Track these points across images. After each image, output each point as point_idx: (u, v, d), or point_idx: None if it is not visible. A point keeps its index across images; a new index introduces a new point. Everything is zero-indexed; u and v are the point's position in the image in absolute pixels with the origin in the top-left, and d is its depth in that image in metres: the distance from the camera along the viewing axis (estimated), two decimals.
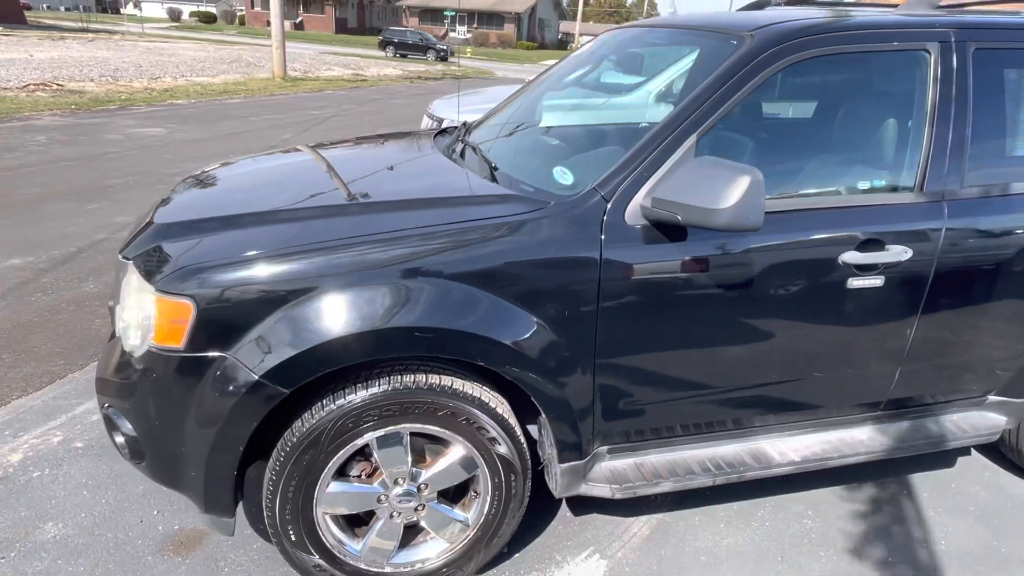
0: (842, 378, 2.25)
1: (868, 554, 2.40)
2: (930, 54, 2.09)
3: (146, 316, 1.72)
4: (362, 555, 2.00)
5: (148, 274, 1.75)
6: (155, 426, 1.79)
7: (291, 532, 1.89)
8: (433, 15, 55.77)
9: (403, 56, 36.23)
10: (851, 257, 2.02)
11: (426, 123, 5.60)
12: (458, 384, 1.84)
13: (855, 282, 2.05)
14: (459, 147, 2.59)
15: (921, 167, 2.11)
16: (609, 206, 1.84)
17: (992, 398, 2.52)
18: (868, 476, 2.80)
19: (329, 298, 1.67)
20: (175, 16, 61.22)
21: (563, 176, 2.11)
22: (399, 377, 1.78)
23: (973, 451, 3.06)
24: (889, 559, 2.38)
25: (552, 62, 5.31)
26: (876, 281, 2.07)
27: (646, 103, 3.11)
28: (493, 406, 1.89)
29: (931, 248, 2.10)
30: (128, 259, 1.85)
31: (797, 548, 2.41)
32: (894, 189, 2.14)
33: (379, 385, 1.76)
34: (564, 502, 2.58)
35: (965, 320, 2.26)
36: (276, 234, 1.78)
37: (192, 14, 61.79)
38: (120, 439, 1.90)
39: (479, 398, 1.86)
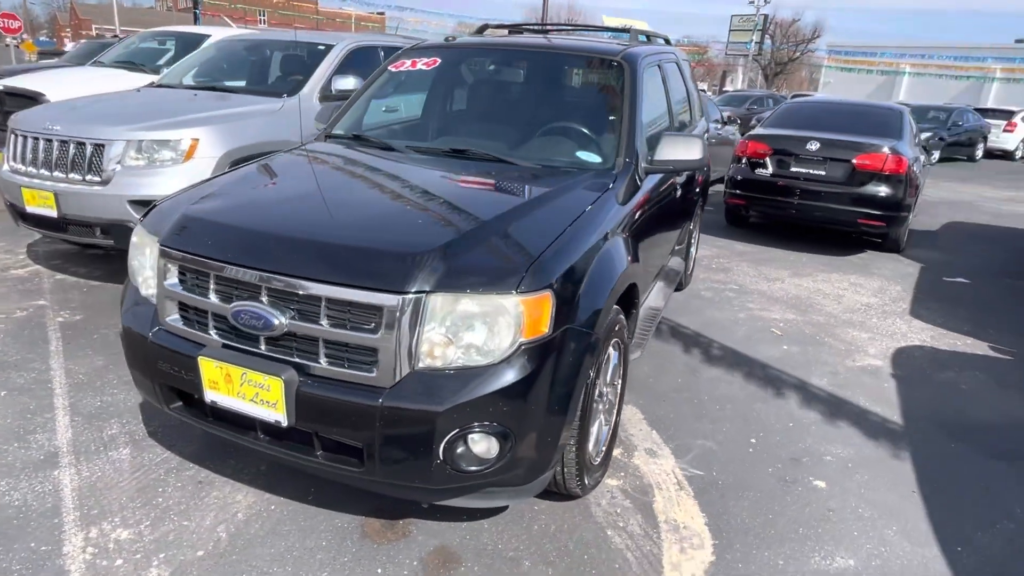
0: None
1: None
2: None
3: (506, 323, 1.86)
4: None
5: (488, 286, 1.86)
6: (535, 417, 1.93)
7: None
8: None
9: None
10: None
11: None
12: None
13: None
14: None
15: None
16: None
17: None
18: None
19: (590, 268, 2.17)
20: None
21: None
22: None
23: None
24: None
25: None
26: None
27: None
28: None
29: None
30: (436, 291, 1.86)
31: None
32: None
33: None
34: None
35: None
36: (529, 228, 2.16)
37: None
38: (492, 457, 1.93)
39: None
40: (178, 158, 4.06)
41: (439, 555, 2.19)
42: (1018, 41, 35.15)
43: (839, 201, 6.18)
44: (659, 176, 3.04)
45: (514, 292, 1.85)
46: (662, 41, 4.39)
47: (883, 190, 6.07)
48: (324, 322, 1.89)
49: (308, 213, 2.25)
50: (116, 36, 14.31)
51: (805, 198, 6.34)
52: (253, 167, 2.74)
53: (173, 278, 2.13)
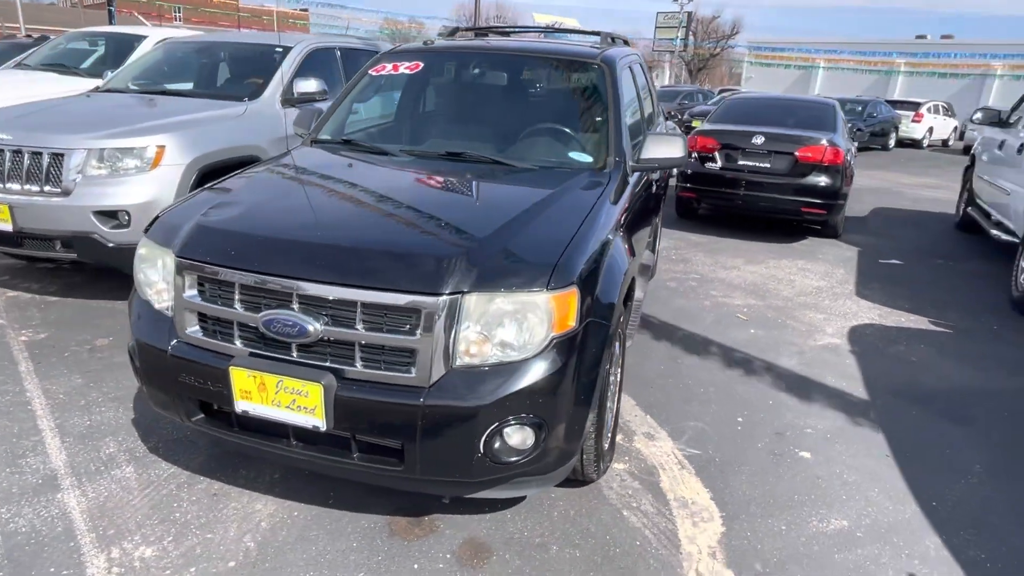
0: None
1: None
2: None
3: (538, 319, 1.94)
4: None
5: (520, 285, 1.94)
6: (564, 407, 2.02)
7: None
8: None
9: None
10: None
11: None
12: None
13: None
14: None
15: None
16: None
17: None
18: None
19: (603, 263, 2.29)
20: None
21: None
22: None
23: None
24: None
25: None
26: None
27: None
28: None
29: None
30: (471, 291, 1.92)
31: None
32: None
33: None
34: None
35: None
36: (546, 228, 2.25)
37: None
38: (528, 447, 2.01)
39: None
40: (144, 166, 3.93)
41: (470, 547, 2.27)
42: (918, 37, 37.69)
43: (784, 191, 6.56)
44: (638, 173, 3.19)
45: (545, 289, 1.94)
46: (622, 43, 4.56)
47: (823, 180, 6.49)
48: (360, 326, 1.93)
49: (330, 219, 2.27)
50: (30, 36, 13.42)
51: (753, 189, 6.69)
52: (254, 176, 2.71)
53: (192, 290, 2.11)
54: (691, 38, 47.75)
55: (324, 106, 5.31)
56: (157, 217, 2.40)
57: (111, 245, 3.90)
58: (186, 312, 2.12)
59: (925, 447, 3.04)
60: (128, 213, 3.89)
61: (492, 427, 1.93)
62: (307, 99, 5.10)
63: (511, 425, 1.95)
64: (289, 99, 5.02)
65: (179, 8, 57.87)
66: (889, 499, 2.64)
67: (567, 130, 3.10)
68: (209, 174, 4.24)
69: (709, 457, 2.86)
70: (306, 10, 62.31)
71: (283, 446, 2.11)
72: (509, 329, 1.95)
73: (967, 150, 20.22)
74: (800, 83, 38.04)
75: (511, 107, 3.32)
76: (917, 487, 2.72)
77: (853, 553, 2.33)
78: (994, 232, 6.05)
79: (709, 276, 5.54)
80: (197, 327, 2.13)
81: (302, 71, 5.23)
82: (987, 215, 6.80)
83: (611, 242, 2.39)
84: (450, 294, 1.91)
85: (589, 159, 2.95)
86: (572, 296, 2.00)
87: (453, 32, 4.05)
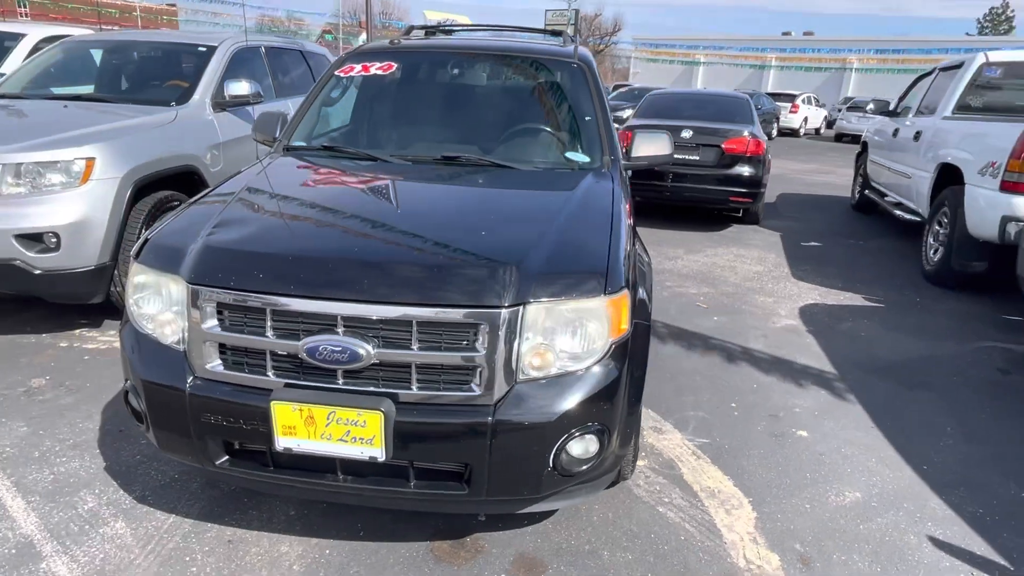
0: None
1: None
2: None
3: (598, 326, 1.91)
4: None
5: (580, 292, 1.89)
6: (622, 410, 2.00)
7: None
8: None
9: None
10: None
11: None
12: None
13: None
14: None
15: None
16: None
17: None
18: None
19: (635, 263, 2.31)
20: None
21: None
22: None
23: None
24: None
25: None
26: None
27: None
28: None
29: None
30: (531, 301, 1.85)
31: None
32: None
33: None
34: None
35: None
36: (582, 232, 2.21)
37: None
38: (592, 456, 1.96)
39: None
40: (72, 182, 3.50)
41: (522, 563, 2.20)
42: (784, 33, 40.83)
43: (713, 182, 6.88)
44: (628, 172, 3.22)
45: (602, 295, 1.91)
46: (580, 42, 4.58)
47: (747, 170, 6.86)
48: (415, 346, 1.81)
49: (360, 234, 2.10)
50: None
51: (684, 181, 6.96)
52: (240, 191, 2.45)
53: (212, 320, 1.89)
54: (578, 35, 49.08)
55: (258, 109, 5.01)
56: (146, 240, 2.13)
57: (38, 272, 3.45)
58: (206, 345, 1.90)
59: (900, 415, 3.28)
60: (56, 235, 3.45)
61: (562, 439, 1.87)
62: (240, 102, 4.75)
63: (578, 435, 1.90)
64: (221, 103, 4.65)
65: (24, 2, 52.04)
66: (887, 467, 2.83)
67: (560, 130, 3.07)
68: (145, 188, 3.86)
69: (718, 445, 2.94)
70: (173, 5, 58.20)
71: (329, 482, 1.94)
72: (570, 337, 1.90)
73: (839, 138, 22.17)
74: (683, 78, 40.11)
75: (498, 108, 3.25)
76: (906, 453, 2.94)
77: (874, 522, 2.47)
78: (898, 212, 6.66)
79: (658, 267, 5.71)
80: (218, 361, 1.91)
81: (230, 72, 4.86)
82: (883, 195, 7.47)
83: (633, 240, 2.39)
84: (510, 306, 1.82)
85: (587, 159, 2.93)
86: (625, 300, 1.98)
87: (408, 31, 3.90)
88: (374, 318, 1.81)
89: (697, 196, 7.06)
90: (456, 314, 1.81)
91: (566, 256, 2.02)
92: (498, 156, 2.86)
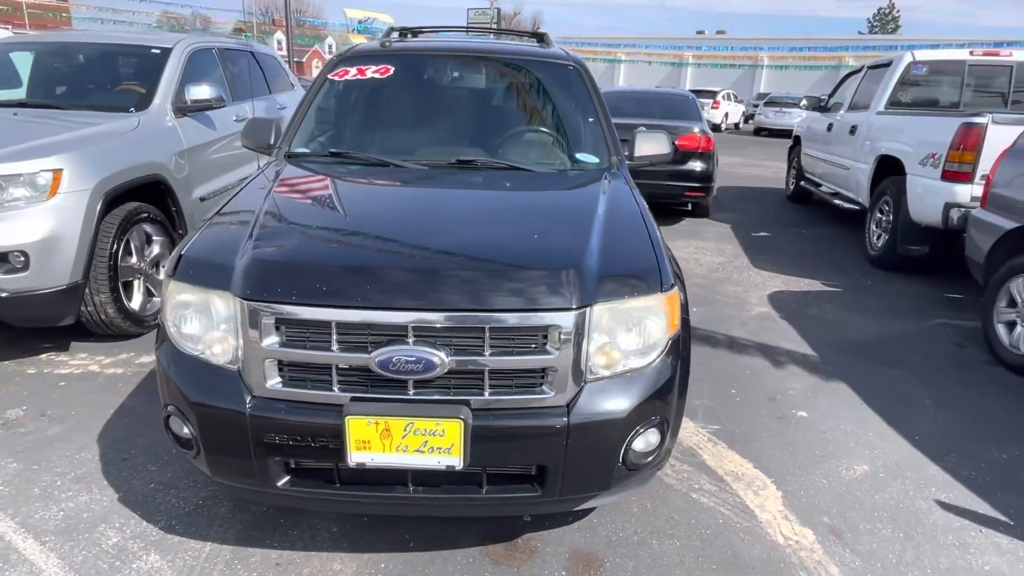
0: None
1: None
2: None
3: (658, 322, 1.97)
4: None
5: (641, 291, 1.95)
6: (677, 403, 2.06)
7: None
8: None
9: None
10: None
11: None
12: None
13: None
14: None
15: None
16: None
17: None
18: None
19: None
20: None
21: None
22: None
23: None
24: None
25: None
26: None
27: None
28: None
29: None
30: (597, 302, 1.89)
31: None
32: None
33: None
34: None
35: None
36: (624, 232, 2.28)
37: None
38: (653, 448, 2.02)
39: None
40: (38, 196, 3.25)
41: (578, 559, 2.23)
42: (698, 32, 42.50)
43: (669, 177, 7.11)
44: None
45: (660, 291, 1.97)
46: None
47: (699, 165, 7.14)
48: (487, 352, 1.81)
49: (419, 243, 2.07)
50: None
51: (640, 177, 7.14)
52: (260, 200, 2.34)
53: (271, 336, 1.82)
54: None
55: (220, 113, 4.79)
56: (181, 256, 2.02)
57: (5, 295, 3.19)
58: (265, 363, 1.83)
59: (881, 391, 3.53)
60: (24, 254, 3.20)
61: (631, 435, 1.92)
62: (203, 107, 4.53)
63: (643, 430, 1.96)
64: (182, 107, 4.42)
65: None
66: (885, 440, 3.05)
67: (567, 131, 3.12)
68: (116, 199, 3.63)
69: (730, 430, 3.07)
70: (66, 1, 54.32)
71: (399, 494, 1.91)
72: (633, 335, 1.95)
73: (758, 132, 23.30)
74: (606, 76, 41.05)
75: (502, 110, 3.25)
76: (897, 425, 3.17)
77: (887, 492, 2.66)
78: (836, 201, 7.10)
79: None
80: (278, 379, 1.85)
81: (188, 76, 4.62)
82: (818, 185, 7.95)
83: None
84: (578, 307, 1.86)
85: (595, 159, 2.99)
86: (677, 296, 2.05)
87: (389, 33, 3.84)
88: (446, 326, 1.80)
89: (654, 192, 7.26)
90: (529, 318, 1.82)
91: (619, 257, 2.07)
92: (511, 159, 2.88)
